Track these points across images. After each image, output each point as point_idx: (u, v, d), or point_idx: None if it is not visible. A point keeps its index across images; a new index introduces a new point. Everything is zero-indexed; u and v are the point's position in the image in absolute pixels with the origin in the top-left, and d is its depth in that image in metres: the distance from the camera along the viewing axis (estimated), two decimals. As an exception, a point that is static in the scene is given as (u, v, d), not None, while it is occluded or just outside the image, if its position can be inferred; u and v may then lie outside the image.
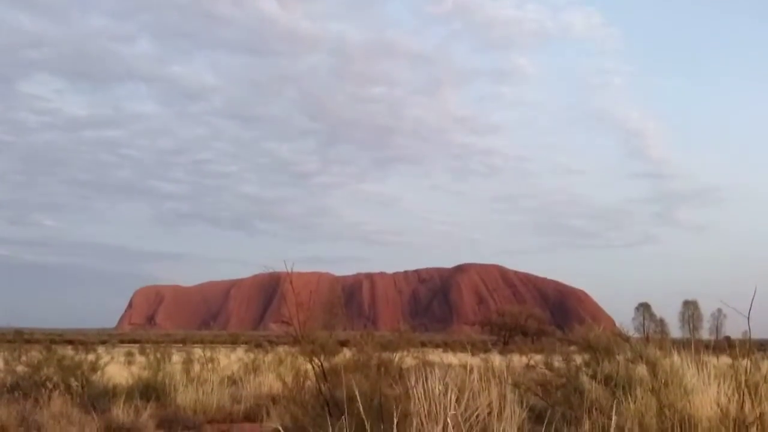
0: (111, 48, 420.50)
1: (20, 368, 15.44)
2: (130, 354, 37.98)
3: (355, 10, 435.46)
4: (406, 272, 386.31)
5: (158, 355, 17.25)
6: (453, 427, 6.00)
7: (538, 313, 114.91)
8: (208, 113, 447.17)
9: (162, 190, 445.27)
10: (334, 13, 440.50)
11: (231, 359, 24.76)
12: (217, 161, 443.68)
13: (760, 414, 6.34)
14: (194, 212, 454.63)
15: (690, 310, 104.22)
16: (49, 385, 13.24)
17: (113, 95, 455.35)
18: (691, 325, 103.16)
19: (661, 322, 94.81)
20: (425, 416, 6.08)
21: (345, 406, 6.41)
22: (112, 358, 25.50)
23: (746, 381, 6.59)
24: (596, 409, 7.51)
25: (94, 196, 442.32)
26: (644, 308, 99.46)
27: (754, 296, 6.36)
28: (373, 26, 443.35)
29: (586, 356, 9.13)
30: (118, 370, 18.80)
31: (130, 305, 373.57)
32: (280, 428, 6.69)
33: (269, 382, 16.72)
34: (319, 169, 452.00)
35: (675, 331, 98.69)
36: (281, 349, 22.97)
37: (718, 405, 6.74)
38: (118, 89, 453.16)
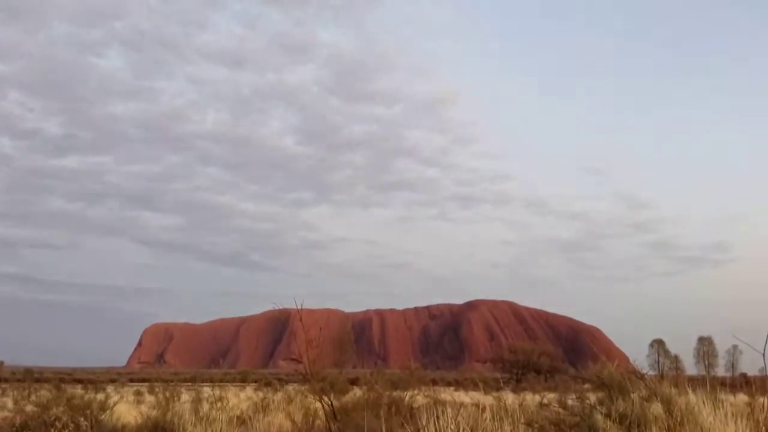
0: (86, 62, 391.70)
1: (29, 407, 15.40)
2: (139, 393, 37.82)
3: (347, 22, 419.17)
4: (416, 308, 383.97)
5: (167, 394, 17.16)
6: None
7: (551, 350, 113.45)
8: (195, 136, 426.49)
9: (153, 222, 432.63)
10: (325, 24, 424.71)
11: (240, 398, 24.58)
12: (209, 189, 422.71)
13: (780, 453, 6.21)
14: (189, 245, 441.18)
15: (705, 346, 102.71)
16: (58, 425, 13.15)
17: (92, 115, 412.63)
18: (707, 362, 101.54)
19: (676, 359, 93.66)
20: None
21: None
22: (122, 397, 25.36)
23: (764, 419, 6.47)
24: (611, 448, 7.37)
25: (82, 229, 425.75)
26: (658, 345, 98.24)
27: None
28: (366, 39, 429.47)
29: (600, 394, 9.01)
30: (127, 409, 18.69)
31: (139, 343, 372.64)
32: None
33: (279, 421, 16.55)
34: (317, 198, 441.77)
35: (690, 367, 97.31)
36: (291, 388, 22.80)
37: (736, 444, 6.61)
38: (96, 108, 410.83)
